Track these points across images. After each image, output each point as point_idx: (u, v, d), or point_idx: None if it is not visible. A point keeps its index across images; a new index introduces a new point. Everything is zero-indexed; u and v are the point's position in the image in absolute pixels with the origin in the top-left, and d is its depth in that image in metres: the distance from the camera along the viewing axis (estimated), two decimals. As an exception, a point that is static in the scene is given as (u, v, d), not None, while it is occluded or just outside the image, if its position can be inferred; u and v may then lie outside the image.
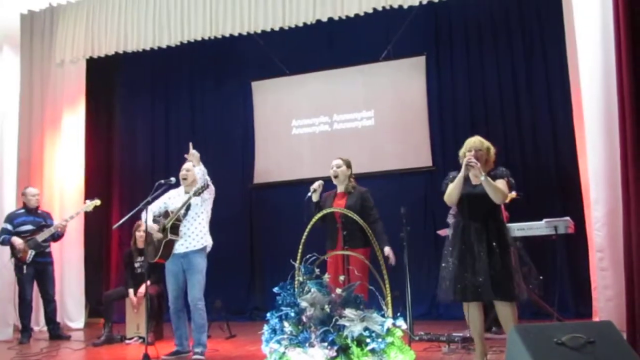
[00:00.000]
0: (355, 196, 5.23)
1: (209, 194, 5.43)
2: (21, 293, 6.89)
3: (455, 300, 4.32)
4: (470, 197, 4.32)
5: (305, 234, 3.14)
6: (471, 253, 4.19)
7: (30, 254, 6.82)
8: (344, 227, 4.94)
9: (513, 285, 4.13)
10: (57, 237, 7.08)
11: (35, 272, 6.94)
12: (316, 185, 5.21)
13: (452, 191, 4.39)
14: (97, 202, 6.95)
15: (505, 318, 4.17)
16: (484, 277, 4.09)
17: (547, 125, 7.43)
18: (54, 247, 7.32)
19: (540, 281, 4.52)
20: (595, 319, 5.67)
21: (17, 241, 6.81)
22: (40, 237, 6.86)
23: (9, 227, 6.93)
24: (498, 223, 4.29)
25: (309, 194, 5.17)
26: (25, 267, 6.83)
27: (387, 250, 4.99)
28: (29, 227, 6.95)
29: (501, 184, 4.27)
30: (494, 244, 4.16)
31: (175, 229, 5.29)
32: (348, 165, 5.36)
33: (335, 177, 5.30)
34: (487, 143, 4.42)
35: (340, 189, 5.32)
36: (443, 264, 4.34)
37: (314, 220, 3.22)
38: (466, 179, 4.37)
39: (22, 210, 7.09)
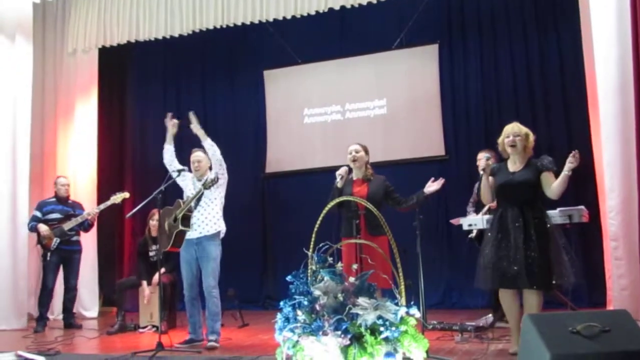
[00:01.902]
0: (375, 183, 5.18)
1: (223, 179, 5.44)
2: (44, 280, 7.02)
3: (493, 287, 4.33)
4: (507, 185, 4.34)
5: (319, 222, 3.14)
6: (508, 241, 4.20)
7: (55, 241, 6.91)
8: (366, 214, 4.83)
9: (548, 275, 4.12)
10: (87, 226, 7.18)
11: (61, 260, 7.06)
12: (342, 171, 5.13)
13: (483, 194, 4.51)
14: (126, 194, 6.96)
15: (530, 306, 4.17)
16: (519, 267, 4.09)
17: (561, 114, 7.36)
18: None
19: (579, 269, 4.52)
20: (610, 308, 5.65)
21: (42, 228, 6.91)
22: (66, 226, 6.95)
23: (39, 214, 7.05)
24: (537, 211, 4.28)
25: (336, 180, 5.13)
26: (49, 254, 6.94)
27: (428, 189, 5.03)
28: (56, 215, 7.05)
29: (550, 179, 4.28)
30: (532, 232, 4.16)
31: (186, 220, 5.29)
32: (366, 151, 5.27)
33: (354, 161, 5.20)
34: (525, 129, 4.42)
35: (358, 175, 5.24)
36: (483, 252, 4.34)
37: (327, 207, 3.21)
38: (503, 168, 4.40)
39: (53, 199, 7.20)
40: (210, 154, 5.45)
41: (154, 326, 6.52)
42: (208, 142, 5.50)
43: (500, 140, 4.48)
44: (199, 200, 5.33)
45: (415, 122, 8.03)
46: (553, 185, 4.26)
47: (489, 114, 7.58)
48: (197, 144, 5.66)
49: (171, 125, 5.77)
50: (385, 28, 8.16)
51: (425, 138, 7.97)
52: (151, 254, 6.83)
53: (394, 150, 7.98)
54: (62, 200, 7.17)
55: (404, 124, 8.08)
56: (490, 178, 4.49)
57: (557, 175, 4.30)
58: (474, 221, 5.74)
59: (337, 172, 5.14)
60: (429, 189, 5.04)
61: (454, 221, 6.27)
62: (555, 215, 5.43)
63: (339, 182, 5.09)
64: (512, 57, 7.68)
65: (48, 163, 8.41)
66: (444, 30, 8.04)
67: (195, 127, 5.60)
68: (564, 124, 7.32)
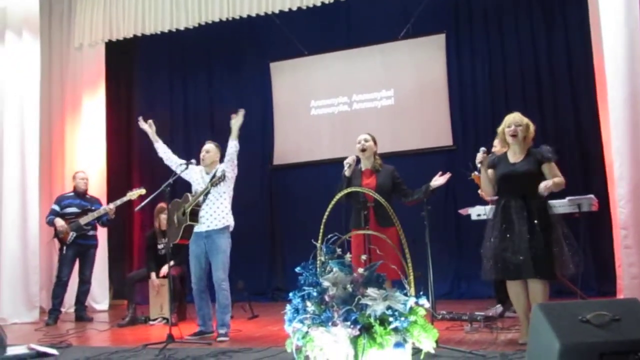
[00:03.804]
0: (384, 174, 5.14)
1: (232, 174, 5.43)
2: (59, 273, 7.10)
3: (497, 278, 4.33)
4: (509, 176, 4.33)
5: (327, 213, 3.13)
6: (512, 232, 4.19)
7: (71, 235, 6.98)
8: (375, 206, 4.79)
9: (553, 264, 4.12)
10: (105, 221, 7.24)
11: (77, 254, 7.13)
12: (350, 159, 5.08)
13: (484, 188, 4.55)
14: (143, 190, 6.91)
15: (535, 295, 4.17)
16: (524, 256, 4.09)
17: (569, 103, 7.33)
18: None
19: (581, 259, 4.51)
20: (620, 297, 5.63)
21: (59, 222, 6.99)
22: (83, 221, 7.02)
23: (57, 208, 7.13)
24: (539, 201, 4.27)
25: (344, 169, 5.08)
26: (65, 248, 7.01)
27: (434, 183, 4.96)
28: (74, 209, 7.11)
29: (553, 169, 4.26)
30: (535, 222, 4.16)
31: (194, 214, 5.31)
32: (375, 141, 5.22)
33: (363, 150, 5.15)
34: (526, 119, 4.42)
35: (367, 165, 5.20)
36: (486, 243, 4.33)
37: (336, 197, 3.20)
38: (503, 159, 4.40)
39: (72, 194, 7.28)
40: (227, 151, 5.42)
41: (164, 318, 6.56)
42: (233, 142, 5.45)
43: (500, 129, 4.47)
44: (206, 195, 5.34)
45: (422, 112, 8.01)
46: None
47: (497, 104, 7.55)
48: (206, 139, 5.66)
49: (147, 126, 5.82)
50: (391, 18, 8.14)
51: (432, 128, 7.95)
52: (160, 246, 6.86)
53: (402, 141, 7.97)
54: (80, 194, 7.23)
55: (412, 114, 8.06)
56: (490, 170, 4.49)
57: (557, 164, 4.30)
58: (483, 211, 5.72)
59: (345, 161, 5.11)
60: (435, 182, 4.98)
61: (462, 211, 6.25)
62: (565, 204, 5.42)
63: (347, 171, 5.05)
64: (519, 46, 7.64)
65: (56, 157, 8.45)
66: (451, 20, 8.01)
67: (235, 124, 5.56)
68: (572, 112, 7.29)
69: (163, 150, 5.76)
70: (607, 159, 6.13)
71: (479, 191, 5.81)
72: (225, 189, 5.42)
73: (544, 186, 4.19)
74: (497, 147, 4.96)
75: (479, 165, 4.51)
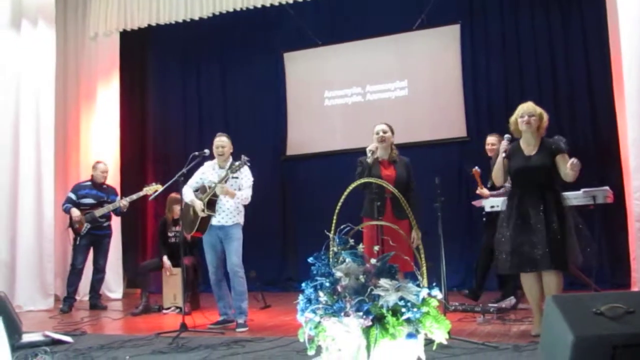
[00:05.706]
0: (401, 166, 5.13)
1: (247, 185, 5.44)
2: (73, 261, 7.17)
3: (512, 271, 4.32)
4: (524, 170, 4.31)
5: (340, 202, 3.13)
6: (527, 225, 4.18)
7: (86, 226, 7.04)
8: (392, 197, 4.76)
9: (567, 256, 4.12)
10: (119, 212, 7.28)
11: (91, 243, 7.19)
12: (373, 147, 5.02)
13: (496, 174, 4.49)
14: (159, 187, 6.81)
15: (549, 287, 4.16)
16: (542, 249, 4.07)
17: (584, 94, 7.26)
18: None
19: (595, 250, 4.48)
20: (634, 289, 5.60)
21: (75, 212, 7.02)
22: (98, 212, 7.06)
23: (73, 196, 7.16)
24: (554, 194, 4.26)
25: (367, 156, 4.99)
26: (79, 238, 7.06)
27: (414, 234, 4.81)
28: (90, 200, 7.14)
29: (567, 161, 4.17)
30: (552, 214, 4.13)
31: (212, 204, 5.32)
32: (392, 131, 5.17)
33: (382, 141, 5.09)
34: (540, 109, 4.39)
35: (383, 156, 5.13)
36: (499, 236, 4.32)
37: (350, 187, 3.19)
38: (517, 150, 4.38)
39: (89, 183, 7.29)
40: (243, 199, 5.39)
41: (177, 307, 6.60)
42: (237, 197, 5.37)
43: (512, 119, 4.44)
44: (225, 182, 5.32)
45: (436, 103, 7.97)
46: (566, 172, 4.20)
47: (511, 95, 7.49)
48: (219, 130, 5.64)
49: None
50: (405, 9, 8.09)
51: (446, 119, 7.91)
52: (170, 234, 6.88)
53: (416, 132, 7.93)
54: (97, 185, 7.25)
55: (426, 105, 8.02)
56: (505, 160, 4.46)
57: (570, 155, 4.26)
58: (496, 203, 5.70)
59: (368, 148, 5.02)
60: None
61: (475, 203, 6.23)
62: (579, 196, 5.38)
63: (369, 158, 4.99)
64: (534, 37, 7.57)
65: (71, 146, 8.51)
66: (466, 10, 7.95)
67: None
68: (588, 103, 7.22)
69: (192, 193, 5.53)
70: (622, 151, 6.08)
71: (477, 190, 5.80)
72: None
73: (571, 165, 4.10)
74: (502, 142, 4.83)
75: (503, 154, 4.45)
